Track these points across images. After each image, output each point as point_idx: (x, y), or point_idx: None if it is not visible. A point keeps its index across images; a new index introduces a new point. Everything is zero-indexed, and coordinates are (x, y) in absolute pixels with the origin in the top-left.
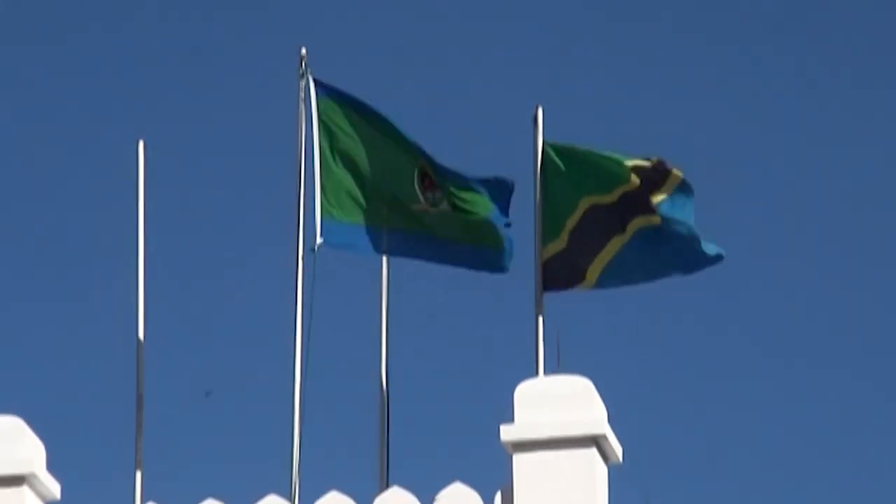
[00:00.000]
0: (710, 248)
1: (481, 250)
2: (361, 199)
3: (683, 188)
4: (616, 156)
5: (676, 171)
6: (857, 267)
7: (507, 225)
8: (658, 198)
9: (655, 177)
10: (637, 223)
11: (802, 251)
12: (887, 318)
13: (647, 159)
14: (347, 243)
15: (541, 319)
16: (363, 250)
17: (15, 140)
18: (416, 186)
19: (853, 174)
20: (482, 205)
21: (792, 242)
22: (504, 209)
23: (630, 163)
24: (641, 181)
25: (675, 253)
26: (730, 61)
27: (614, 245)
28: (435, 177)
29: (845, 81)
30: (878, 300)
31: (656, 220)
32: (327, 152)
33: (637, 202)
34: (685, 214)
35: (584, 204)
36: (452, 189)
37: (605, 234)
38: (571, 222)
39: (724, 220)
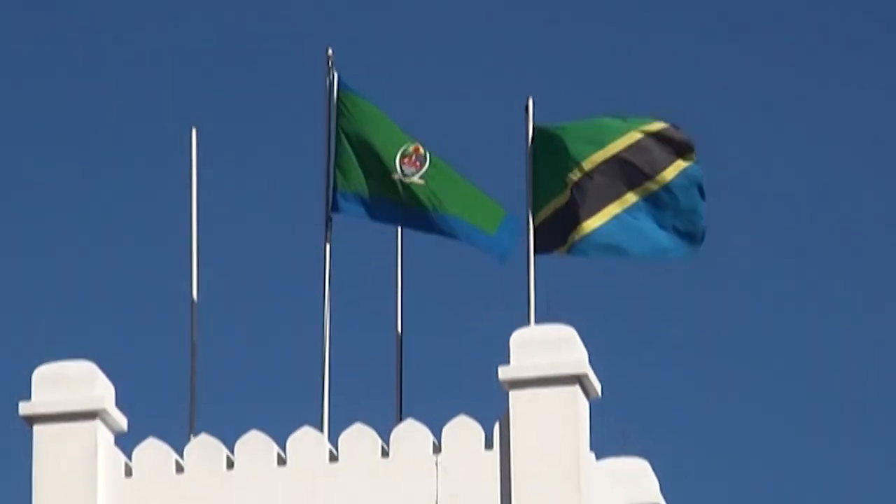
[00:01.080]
0: (682, 249)
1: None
2: (365, 173)
3: (693, 170)
4: (617, 119)
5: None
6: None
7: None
8: (671, 171)
9: (669, 144)
10: (633, 195)
11: (771, 206)
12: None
13: (659, 123)
14: (354, 211)
15: (532, 277)
16: (365, 216)
17: (79, 124)
18: (397, 161)
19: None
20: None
21: (768, 202)
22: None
23: (642, 126)
24: (650, 142)
25: (655, 238)
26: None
27: (600, 217)
28: (427, 159)
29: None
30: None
31: (654, 187)
32: (341, 134)
33: (639, 168)
34: (690, 200)
35: (574, 175)
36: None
37: (597, 202)
38: (559, 199)
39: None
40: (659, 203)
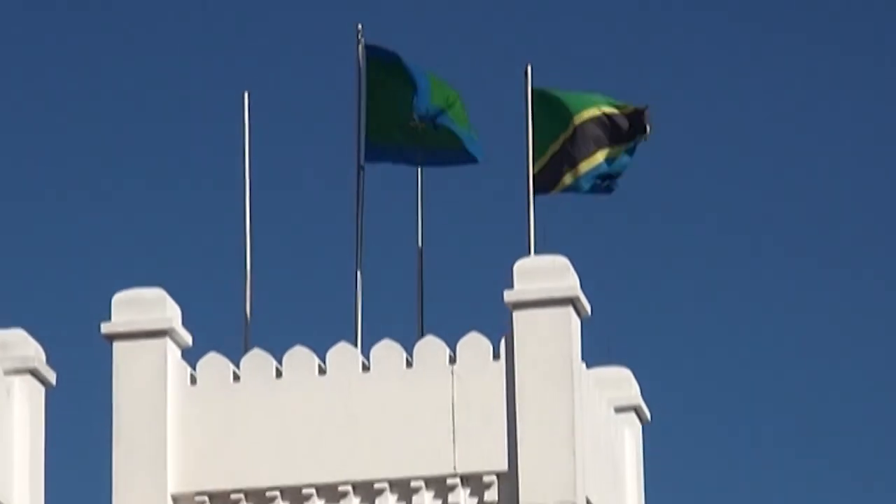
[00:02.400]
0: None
1: (457, 152)
2: (386, 125)
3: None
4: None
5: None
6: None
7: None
8: (611, 150)
9: (623, 127)
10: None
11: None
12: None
13: (625, 107)
14: (381, 158)
15: (532, 215)
16: (389, 162)
17: (138, 91)
18: (413, 111)
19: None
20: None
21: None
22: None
23: (607, 108)
24: (611, 122)
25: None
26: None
27: (587, 164)
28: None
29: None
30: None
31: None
32: (369, 95)
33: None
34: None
35: (570, 127)
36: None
37: (585, 151)
38: (557, 143)
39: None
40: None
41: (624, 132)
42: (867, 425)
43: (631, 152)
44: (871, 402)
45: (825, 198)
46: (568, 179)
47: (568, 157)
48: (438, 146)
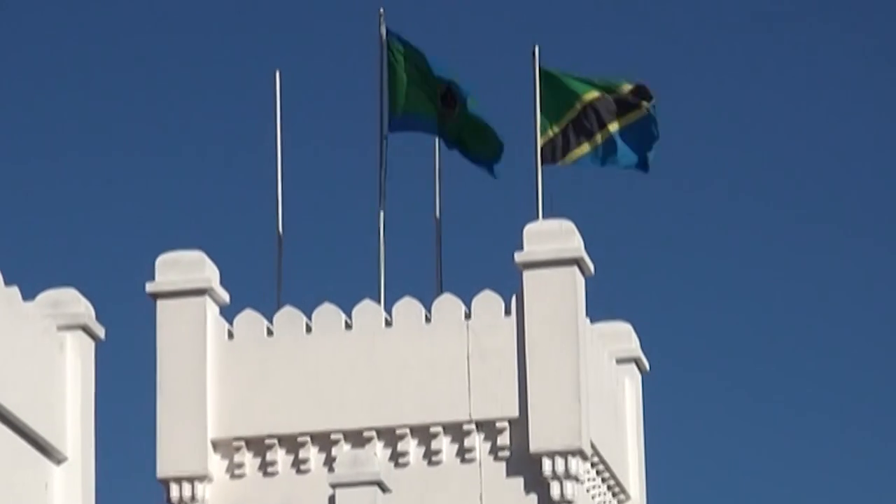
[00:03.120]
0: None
1: (478, 155)
2: (409, 97)
3: (642, 124)
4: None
5: (645, 105)
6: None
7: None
8: (614, 126)
9: (625, 104)
10: (604, 133)
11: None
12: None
13: (626, 85)
14: (402, 127)
15: (539, 184)
16: (409, 131)
17: (183, 67)
18: (438, 100)
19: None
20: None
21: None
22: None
23: (608, 89)
24: (616, 100)
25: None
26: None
27: (593, 142)
28: (456, 98)
29: None
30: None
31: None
32: (390, 73)
33: (607, 114)
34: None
35: (578, 104)
36: (468, 114)
37: (589, 131)
38: (563, 120)
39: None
40: (625, 136)
41: (630, 104)
42: (860, 371)
43: (654, 126)
44: (869, 345)
45: (820, 166)
46: (585, 148)
47: (584, 130)
48: (472, 143)
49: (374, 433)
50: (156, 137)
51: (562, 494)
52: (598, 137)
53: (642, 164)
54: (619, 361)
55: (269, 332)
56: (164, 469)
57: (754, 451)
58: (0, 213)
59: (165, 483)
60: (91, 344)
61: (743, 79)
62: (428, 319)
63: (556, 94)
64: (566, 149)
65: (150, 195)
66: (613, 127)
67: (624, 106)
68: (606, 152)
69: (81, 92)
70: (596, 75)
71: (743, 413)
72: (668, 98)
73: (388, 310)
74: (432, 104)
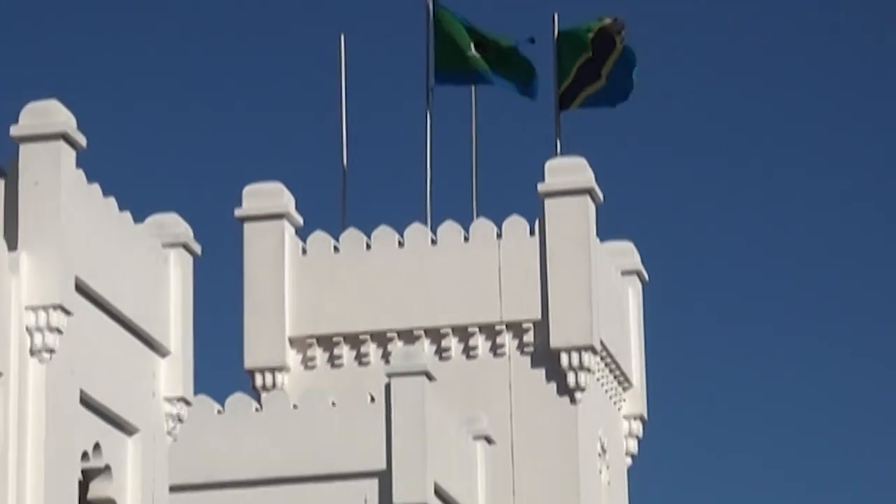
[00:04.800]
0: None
1: (516, 80)
2: (452, 54)
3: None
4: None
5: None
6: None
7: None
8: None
9: (608, 39)
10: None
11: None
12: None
13: (605, 20)
14: (446, 81)
15: (559, 126)
16: (455, 83)
17: (240, 34)
18: (472, 46)
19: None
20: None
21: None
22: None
23: (594, 26)
24: (602, 38)
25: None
26: None
27: (594, 86)
28: (489, 42)
29: None
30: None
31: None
32: (437, 34)
33: (603, 56)
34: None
35: (581, 58)
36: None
37: (589, 78)
38: (573, 70)
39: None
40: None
41: (609, 40)
42: (861, 323)
43: (631, 55)
44: (868, 307)
45: (819, 95)
46: (591, 90)
47: (591, 73)
48: (509, 70)
49: (422, 332)
50: (247, 91)
51: (576, 382)
52: (598, 84)
53: (626, 94)
54: (624, 273)
55: (336, 249)
56: (250, 361)
57: (740, 344)
58: (114, 152)
59: (251, 373)
60: (190, 259)
61: (747, 16)
62: (466, 239)
63: (571, 49)
64: (576, 94)
65: (240, 138)
66: (606, 70)
67: (607, 47)
68: (605, 95)
69: (195, 54)
70: (586, 23)
71: (731, 315)
72: (663, 29)
73: (434, 230)
74: (468, 55)
